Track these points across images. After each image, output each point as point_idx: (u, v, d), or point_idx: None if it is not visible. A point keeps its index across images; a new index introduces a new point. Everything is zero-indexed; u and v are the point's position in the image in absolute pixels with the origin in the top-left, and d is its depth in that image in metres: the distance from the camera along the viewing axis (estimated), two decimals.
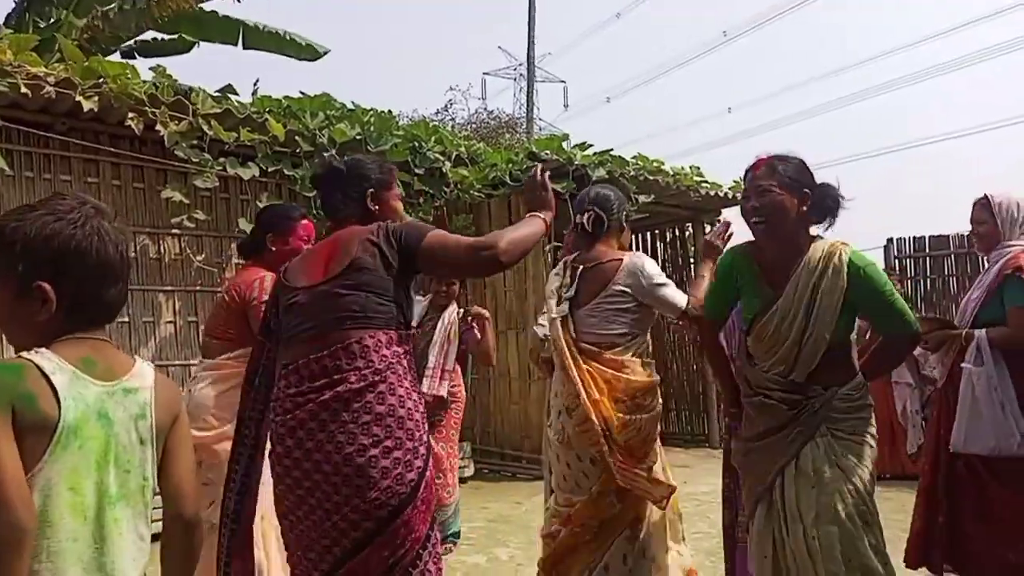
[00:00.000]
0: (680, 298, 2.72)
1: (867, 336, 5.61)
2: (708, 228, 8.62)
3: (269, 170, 5.73)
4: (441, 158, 6.63)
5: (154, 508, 1.35)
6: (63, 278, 1.28)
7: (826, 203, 2.36)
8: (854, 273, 2.25)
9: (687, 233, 8.82)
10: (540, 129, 22.08)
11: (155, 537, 1.36)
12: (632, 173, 7.04)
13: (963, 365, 3.00)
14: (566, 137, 7.26)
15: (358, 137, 6.10)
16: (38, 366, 1.22)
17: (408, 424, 1.91)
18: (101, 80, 4.94)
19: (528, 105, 24.66)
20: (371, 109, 6.43)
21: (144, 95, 5.08)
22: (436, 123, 11.95)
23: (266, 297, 2.41)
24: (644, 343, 2.77)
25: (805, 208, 2.31)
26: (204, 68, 9.98)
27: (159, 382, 1.39)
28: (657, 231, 9.06)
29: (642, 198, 6.95)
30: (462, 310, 4.23)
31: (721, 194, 7.86)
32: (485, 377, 7.27)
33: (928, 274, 7.51)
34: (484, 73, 30.47)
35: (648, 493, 2.67)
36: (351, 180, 2.16)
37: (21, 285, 1.27)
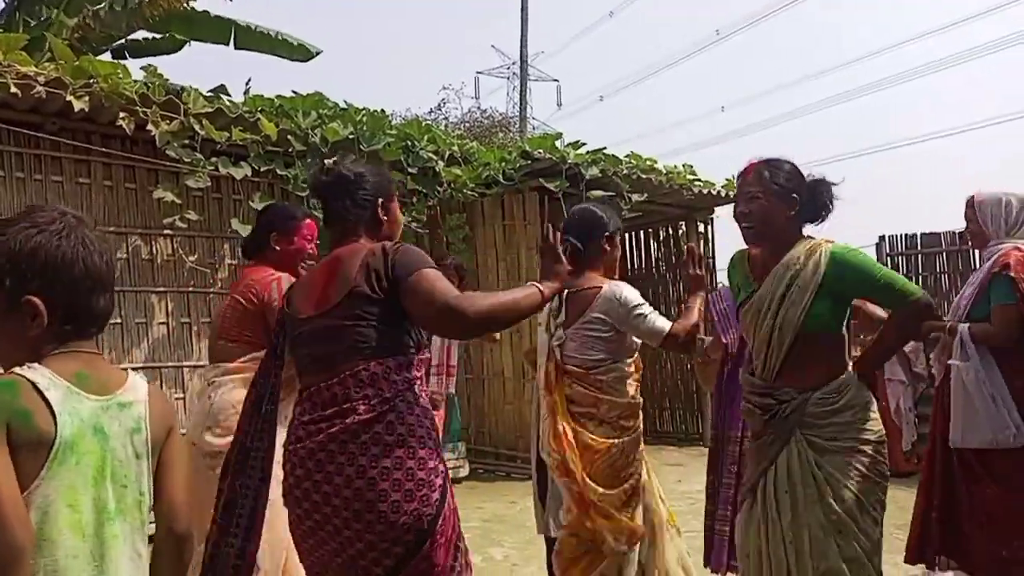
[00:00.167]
0: (661, 324, 2.71)
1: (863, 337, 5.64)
2: (701, 227, 8.65)
3: (261, 170, 5.70)
4: (434, 157, 6.62)
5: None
6: (52, 291, 1.27)
7: (820, 201, 2.37)
8: (837, 263, 2.23)
9: (680, 231, 8.84)
10: (533, 128, 22.10)
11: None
12: (625, 172, 7.05)
13: (950, 361, 3.03)
14: (559, 136, 7.26)
15: (351, 136, 6.09)
16: (32, 382, 1.21)
17: (420, 453, 1.86)
18: (92, 80, 4.91)
19: (521, 104, 24.70)
20: (364, 108, 6.41)
21: (135, 95, 5.05)
22: (429, 122, 11.93)
23: None
24: (622, 369, 2.77)
25: (793, 212, 2.33)
26: (196, 68, 9.93)
27: (153, 395, 1.38)
28: (650, 229, 9.07)
29: (635, 197, 6.95)
30: None
31: (714, 192, 7.87)
32: (479, 377, 7.26)
33: (920, 271, 7.54)
34: (477, 72, 30.50)
35: (603, 532, 2.61)
36: (362, 187, 2.09)
37: (10, 300, 1.26)
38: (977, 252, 3.29)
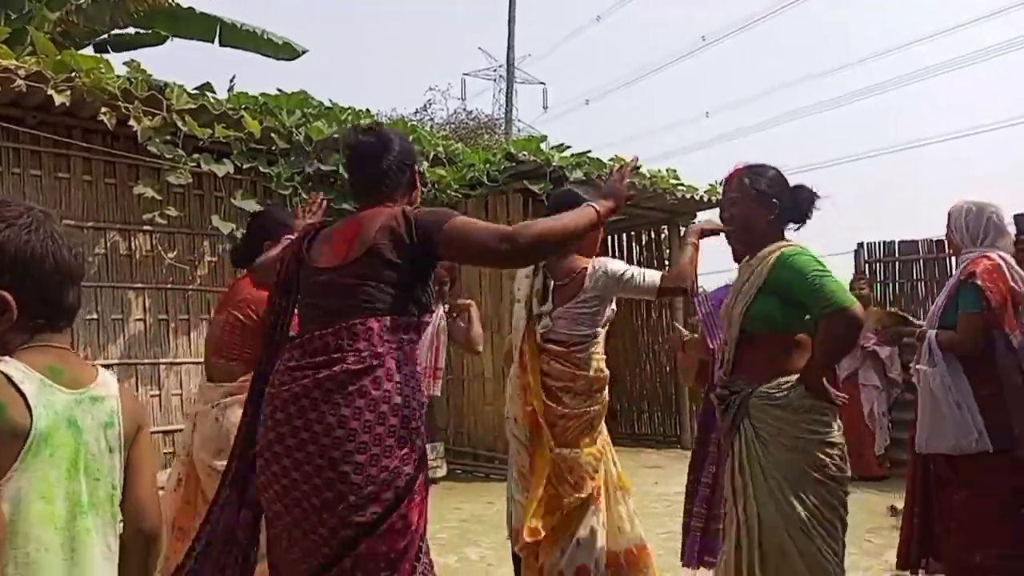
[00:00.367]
0: (651, 278, 2.85)
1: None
2: (684, 231, 8.66)
3: (244, 167, 5.69)
4: (419, 158, 6.62)
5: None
6: (22, 286, 1.27)
7: (801, 207, 2.45)
8: (782, 263, 2.29)
9: (663, 236, 8.90)
10: (519, 130, 22.12)
11: None
12: (609, 175, 7.06)
13: (916, 366, 3.09)
14: (544, 138, 7.29)
15: (335, 135, 6.08)
16: (6, 375, 1.21)
17: (404, 412, 1.85)
18: (73, 74, 4.88)
19: (507, 106, 24.71)
20: (349, 108, 6.41)
21: (117, 90, 5.02)
22: (414, 123, 11.93)
23: None
24: (599, 344, 2.94)
25: (773, 217, 2.40)
26: (180, 65, 9.90)
27: (123, 392, 1.38)
28: (633, 233, 9.12)
29: None
30: (446, 306, 4.24)
31: (697, 197, 7.93)
32: (459, 378, 7.27)
33: (897, 278, 7.60)
34: (464, 74, 30.49)
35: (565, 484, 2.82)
36: (403, 150, 2.09)
37: None
38: (954, 260, 3.35)
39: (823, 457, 2.23)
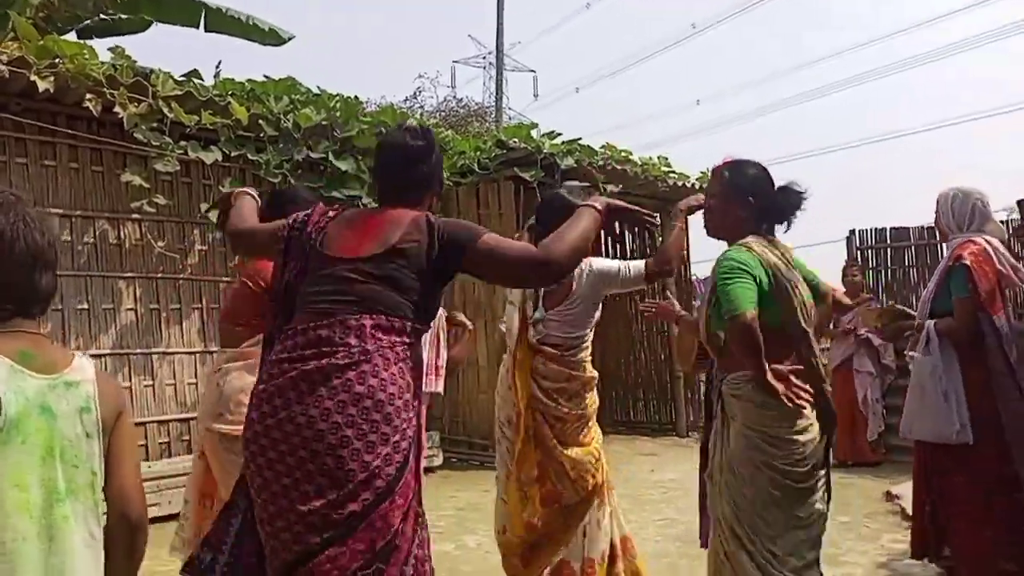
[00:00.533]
0: (636, 267, 2.95)
1: (832, 326, 5.71)
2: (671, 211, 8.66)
3: (232, 154, 5.61)
4: None
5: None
6: None
7: (784, 210, 2.44)
8: (716, 265, 2.36)
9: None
10: (509, 118, 22.02)
11: None
12: (600, 163, 7.05)
13: (909, 353, 3.10)
14: (535, 126, 7.24)
15: (324, 123, 6.02)
16: None
17: (387, 409, 1.83)
18: (57, 60, 4.80)
19: (497, 94, 24.57)
20: (337, 95, 6.33)
21: (102, 76, 4.94)
22: (404, 110, 11.84)
23: None
24: (588, 346, 3.03)
25: (746, 213, 2.40)
26: (165, 52, 9.71)
27: (100, 376, 1.35)
28: (625, 221, 9.08)
29: (610, 188, 6.96)
30: (445, 312, 4.22)
31: (688, 185, 7.91)
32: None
33: (889, 265, 7.63)
34: (454, 61, 30.34)
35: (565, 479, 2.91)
36: (440, 160, 2.14)
37: None
38: (944, 246, 3.37)
39: (771, 449, 2.26)
